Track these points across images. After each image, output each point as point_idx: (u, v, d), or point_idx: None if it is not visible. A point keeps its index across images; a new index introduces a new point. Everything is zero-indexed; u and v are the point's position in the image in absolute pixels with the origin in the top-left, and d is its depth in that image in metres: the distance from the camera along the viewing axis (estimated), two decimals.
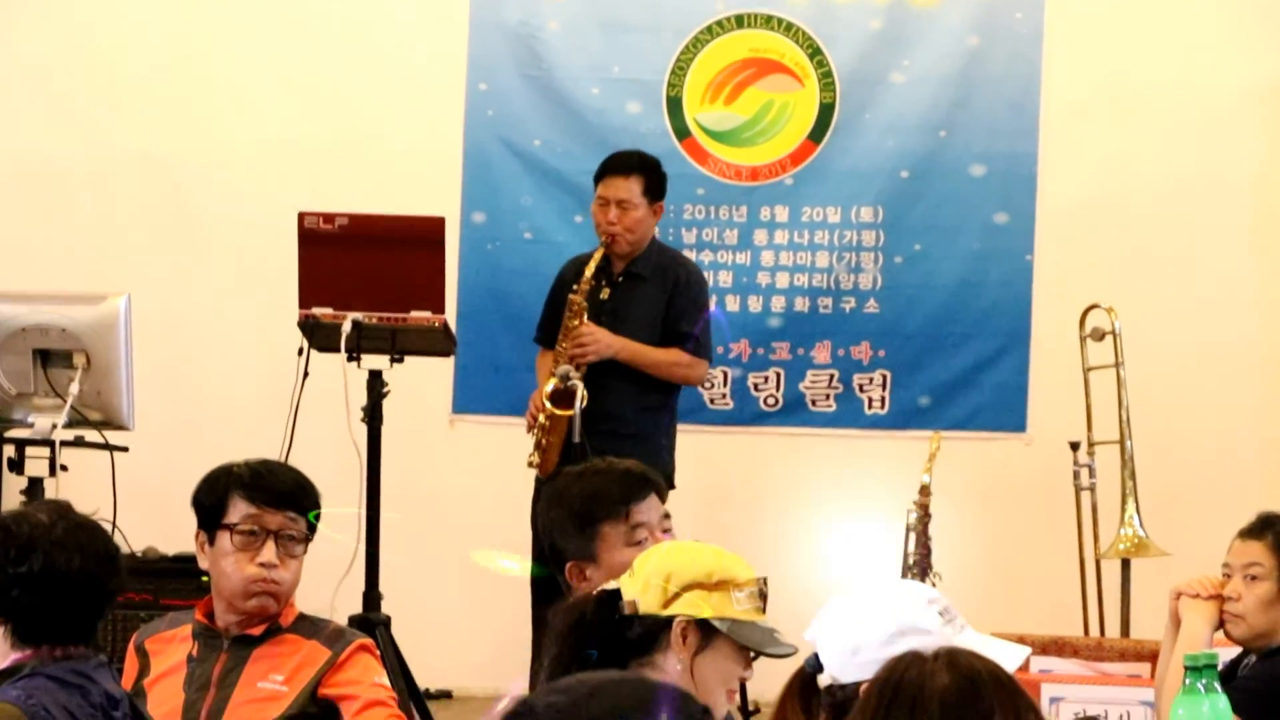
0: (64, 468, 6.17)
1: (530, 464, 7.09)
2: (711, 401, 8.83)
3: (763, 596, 3.65)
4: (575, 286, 7.25)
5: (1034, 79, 8.81)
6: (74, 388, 6.20)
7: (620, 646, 3.56)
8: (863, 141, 8.87)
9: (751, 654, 3.63)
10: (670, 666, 3.57)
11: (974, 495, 8.48)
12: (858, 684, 2.93)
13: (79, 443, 6.34)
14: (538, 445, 7.08)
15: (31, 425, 6.29)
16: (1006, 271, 8.82)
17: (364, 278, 6.96)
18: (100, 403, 6.29)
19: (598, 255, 7.28)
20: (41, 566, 3.63)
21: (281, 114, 8.92)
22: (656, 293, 7.33)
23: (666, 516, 4.40)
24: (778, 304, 8.89)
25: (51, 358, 6.30)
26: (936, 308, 8.84)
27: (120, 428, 6.36)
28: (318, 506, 4.54)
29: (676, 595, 3.58)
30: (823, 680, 3.13)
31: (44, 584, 3.64)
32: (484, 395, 8.84)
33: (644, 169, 7.37)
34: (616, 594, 3.61)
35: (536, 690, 2.37)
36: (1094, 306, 8.10)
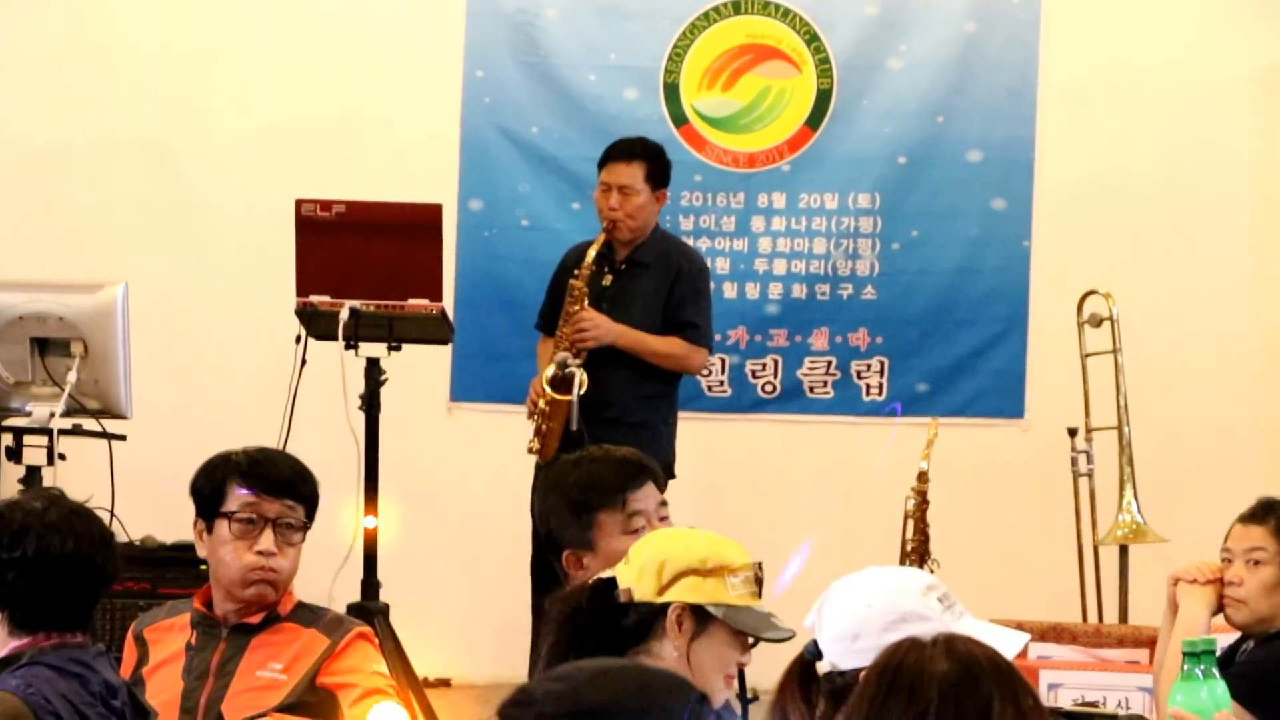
0: (62, 456, 6.17)
1: (530, 450, 7.09)
2: (709, 389, 8.83)
3: (758, 581, 3.65)
4: (576, 272, 7.25)
5: (1031, 64, 8.81)
6: (72, 376, 6.20)
7: (617, 635, 3.56)
8: (860, 128, 8.86)
9: (750, 640, 3.63)
10: (666, 653, 3.57)
11: (972, 482, 8.48)
12: (857, 671, 2.93)
13: (77, 431, 6.34)
14: (538, 431, 7.08)
15: (29, 414, 6.28)
16: (1004, 257, 8.81)
17: (361, 265, 6.95)
18: (98, 391, 6.29)
19: (599, 241, 7.28)
20: (35, 551, 3.64)
21: (279, 101, 8.91)
22: (658, 281, 7.33)
23: (664, 504, 4.40)
24: (775, 291, 8.89)
25: (49, 346, 6.29)
26: (934, 294, 8.84)
27: (118, 416, 6.36)
28: (316, 495, 4.54)
29: (671, 582, 3.59)
30: (822, 667, 3.13)
31: (38, 568, 3.64)
32: (482, 383, 8.85)
33: (647, 155, 7.37)
34: (612, 582, 3.62)
35: (535, 678, 2.37)
36: (1092, 292, 8.10)
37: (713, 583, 3.60)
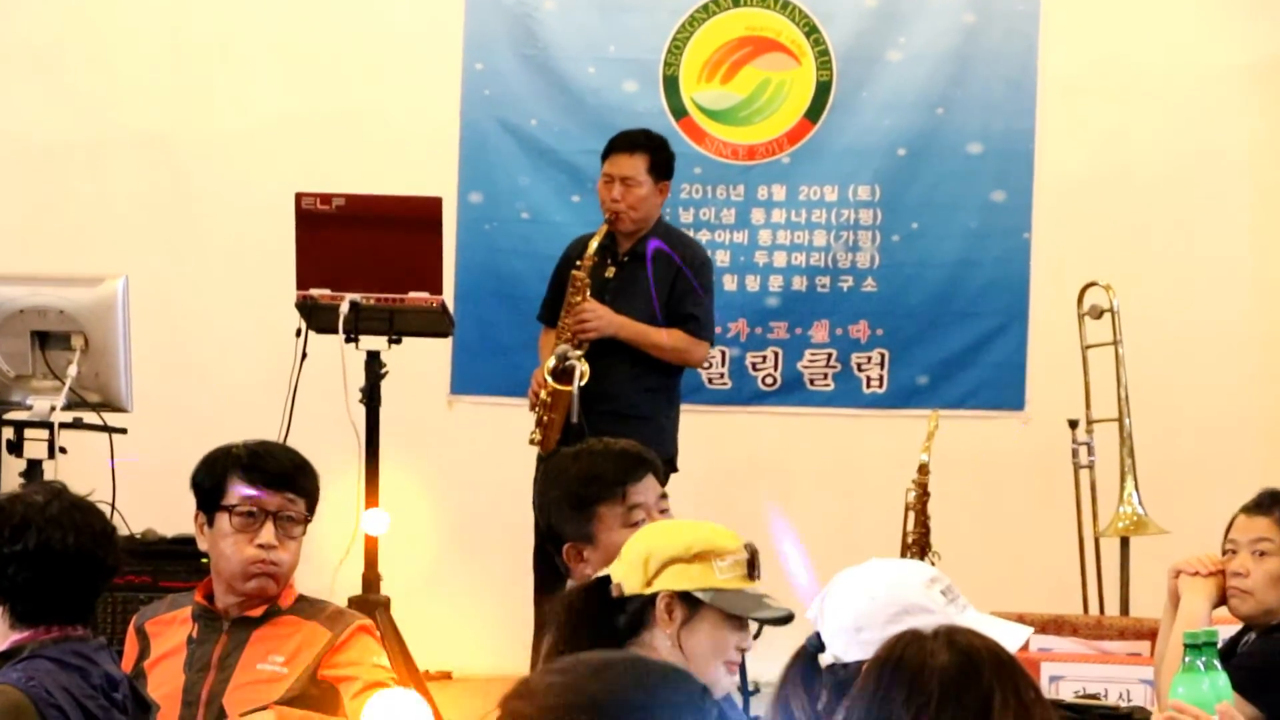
0: (63, 450, 6.17)
1: (532, 441, 7.09)
2: (710, 381, 8.83)
3: (751, 564, 3.66)
4: (579, 263, 7.25)
5: (1031, 56, 8.80)
6: (72, 370, 6.20)
7: (612, 631, 3.58)
8: (860, 120, 8.86)
9: (752, 625, 3.64)
10: (660, 643, 3.58)
11: (972, 474, 8.48)
12: (860, 663, 2.92)
13: (78, 424, 6.33)
14: (539, 422, 7.08)
15: (30, 407, 6.28)
16: (1004, 249, 8.81)
17: (361, 258, 6.95)
18: (99, 384, 6.29)
19: (601, 232, 7.28)
20: (36, 544, 3.64)
21: (279, 95, 8.91)
22: (661, 273, 7.33)
23: (664, 497, 4.40)
24: (775, 283, 8.89)
25: (50, 340, 6.29)
26: (934, 286, 8.83)
27: (119, 409, 6.36)
28: (316, 488, 4.54)
29: (657, 572, 3.61)
30: (824, 659, 3.13)
31: (40, 561, 3.65)
32: (482, 376, 8.84)
33: (650, 147, 7.37)
34: (607, 580, 3.64)
35: (536, 671, 2.37)
36: (1092, 284, 8.09)
37: (698, 568, 3.61)
